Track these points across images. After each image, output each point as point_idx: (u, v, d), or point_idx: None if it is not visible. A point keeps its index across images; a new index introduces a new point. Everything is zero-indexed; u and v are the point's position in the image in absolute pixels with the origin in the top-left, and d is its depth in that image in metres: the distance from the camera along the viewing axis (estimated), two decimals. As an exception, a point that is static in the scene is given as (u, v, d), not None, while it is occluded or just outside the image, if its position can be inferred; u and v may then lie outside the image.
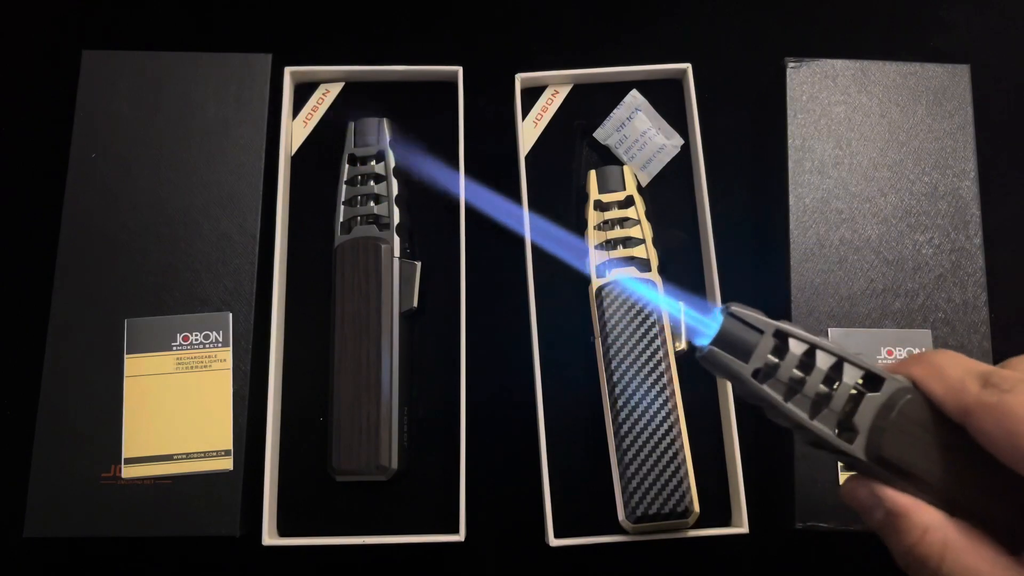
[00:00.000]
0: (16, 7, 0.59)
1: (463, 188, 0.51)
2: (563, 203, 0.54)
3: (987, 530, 0.28)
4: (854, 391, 0.29)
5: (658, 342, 0.48)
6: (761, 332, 0.29)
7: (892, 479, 0.29)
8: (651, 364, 0.47)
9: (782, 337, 0.29)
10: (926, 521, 0.28)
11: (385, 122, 0.53)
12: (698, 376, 0.50)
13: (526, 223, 0.51)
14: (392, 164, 0.52)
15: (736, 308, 0.30)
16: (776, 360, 0.29)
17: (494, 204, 0.52)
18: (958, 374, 0.29)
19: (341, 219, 0.51)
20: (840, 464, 0.48)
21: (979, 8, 0.60)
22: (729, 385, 0.49)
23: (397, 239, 0.51)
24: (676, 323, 0.48)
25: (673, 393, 0.47)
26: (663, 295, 0.49)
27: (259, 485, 0.47)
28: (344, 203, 0.52)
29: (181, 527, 0.47)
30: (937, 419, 0.29)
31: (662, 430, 0.46)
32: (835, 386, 0.29)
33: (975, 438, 0.28)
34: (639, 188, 0.53)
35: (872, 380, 0.29)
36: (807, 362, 0.29)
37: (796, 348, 0.29)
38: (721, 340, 0.29)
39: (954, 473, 0.29)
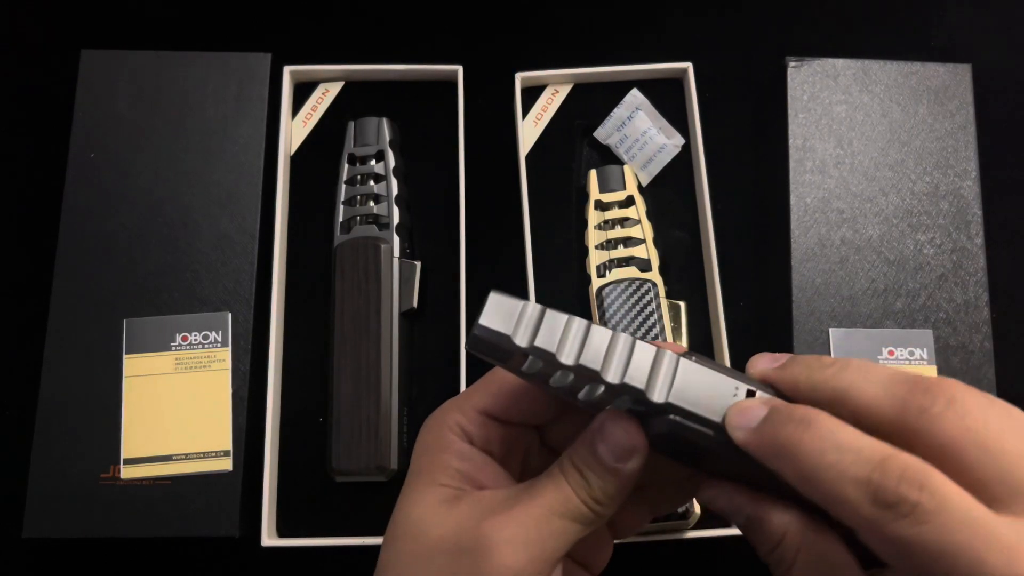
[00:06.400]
0: (16, 7, 0.59)
1: (463, 188, 0.51)
2: (563, 203, 0.54)
3: (847, 536, 0.26)
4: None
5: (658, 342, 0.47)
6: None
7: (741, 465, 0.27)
8: (651, 364, 0.47)
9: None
10: (782, 529, 0.26)
11: (385, 122, 0.53)
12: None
13: (526, 223, 0.51)
14: (392, 164, 0.52)
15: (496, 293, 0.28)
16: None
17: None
18: (833, 459, 0.22)
19: (341, 219, 0.51)
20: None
21: (980, 8, 0.60)
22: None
23: (397, 239, 0.51)
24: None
25: (673, 393, 0.47)
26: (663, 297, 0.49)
27: (258, 485, 0.47)
28: (344, 203, 0.52)
29: (180, 527, 0.47)
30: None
31: (662, 430, 0.46)
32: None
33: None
34: (639, 188, 0.53)
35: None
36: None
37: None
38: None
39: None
